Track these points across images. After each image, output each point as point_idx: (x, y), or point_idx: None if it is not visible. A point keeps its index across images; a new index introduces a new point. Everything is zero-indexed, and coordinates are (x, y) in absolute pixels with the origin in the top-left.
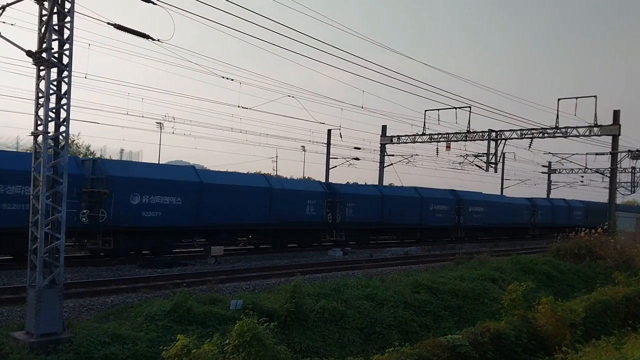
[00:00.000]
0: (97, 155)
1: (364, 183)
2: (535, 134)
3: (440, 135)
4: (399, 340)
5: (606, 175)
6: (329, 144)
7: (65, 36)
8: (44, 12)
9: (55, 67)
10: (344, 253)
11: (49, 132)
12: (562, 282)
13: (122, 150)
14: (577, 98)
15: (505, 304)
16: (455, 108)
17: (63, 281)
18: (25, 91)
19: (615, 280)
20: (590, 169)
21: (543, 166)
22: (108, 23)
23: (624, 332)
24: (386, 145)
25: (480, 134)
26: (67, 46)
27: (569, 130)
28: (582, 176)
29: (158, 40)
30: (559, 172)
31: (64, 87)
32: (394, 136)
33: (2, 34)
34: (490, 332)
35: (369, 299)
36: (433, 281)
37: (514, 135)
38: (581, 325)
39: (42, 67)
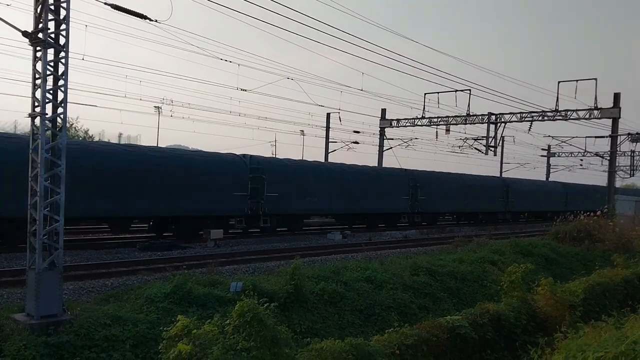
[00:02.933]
0: (96, 139)
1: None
2: (535, 117)
3: (440, 119)
4: (398, 321)
5: (606, 159)
6: (328, 128)
7: (62, 16)
8: None
9: (51, 47)
10: (343, 236)
11: (47, 114)
12: (561, 264)
13: (121, 134)
14: (577, 81)
15: (504, 286)
16: (456, 91)
17: (63, 264)
18: (23, 74)
19: (613, 262)
20: (590, 152)
21: (542, 149)
22: (105, 3)
23: (622, 312)
24: (385, 129)
25: (480, 117)
26: (63, 26)
27: (569, 113)
28: (582, 159)
29: (156, 20)
30: (559, 156)
31: (61, 68)
32: (393, 119)
33: None
34: (489, 314)
35: (368, 281)
36: (432, 264)
37: (514, 118)
38: (580, 306)
39: (38, 48)
